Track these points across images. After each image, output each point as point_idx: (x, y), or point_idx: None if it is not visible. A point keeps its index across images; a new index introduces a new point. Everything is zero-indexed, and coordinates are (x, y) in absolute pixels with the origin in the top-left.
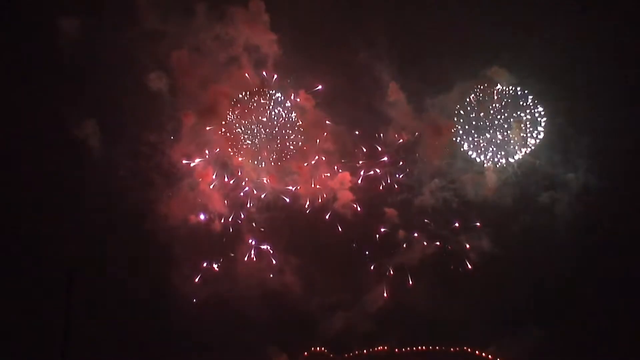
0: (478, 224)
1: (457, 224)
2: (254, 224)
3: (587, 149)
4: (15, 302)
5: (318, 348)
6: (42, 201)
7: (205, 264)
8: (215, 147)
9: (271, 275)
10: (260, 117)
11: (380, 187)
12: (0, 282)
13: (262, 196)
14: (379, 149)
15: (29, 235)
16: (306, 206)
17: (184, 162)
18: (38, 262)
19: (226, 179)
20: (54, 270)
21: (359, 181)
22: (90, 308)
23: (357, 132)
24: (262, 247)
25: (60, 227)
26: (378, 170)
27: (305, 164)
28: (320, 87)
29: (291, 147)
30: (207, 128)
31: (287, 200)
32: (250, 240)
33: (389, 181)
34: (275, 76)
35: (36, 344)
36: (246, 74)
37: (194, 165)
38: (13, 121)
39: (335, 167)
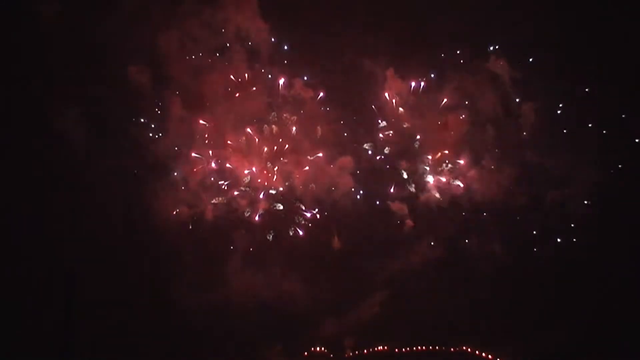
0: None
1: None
2: (248, 221)
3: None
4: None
5: (318, 348)
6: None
7: (200, 264)
8: (205, 140)
9: (269, 274)
10: (253, 109)
11: (383, 180)
12: None
13: (257, 192)
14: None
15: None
16: (303, 198)
17: (172, 156)
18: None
19: (217, 175)
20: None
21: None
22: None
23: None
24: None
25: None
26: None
27: (301, 157)
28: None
29: (286, 139)
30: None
31: (282, 195)
32: (244, 238)
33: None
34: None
35: (36, 345)
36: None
37: (183, 161)
38: None
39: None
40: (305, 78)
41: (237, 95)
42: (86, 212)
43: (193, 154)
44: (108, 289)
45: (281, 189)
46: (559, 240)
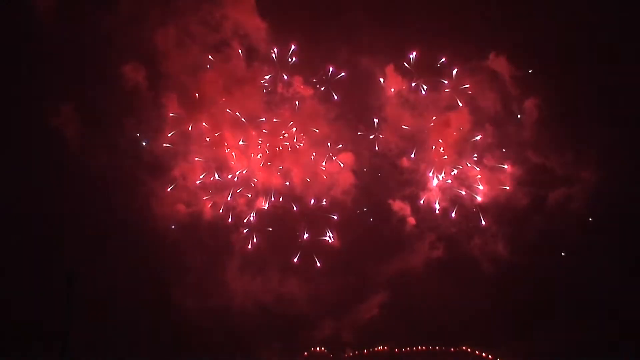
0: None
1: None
2: (245, 220)
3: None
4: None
5: (318, 348)
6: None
7: (200, 264)
8: (202, 138)
9: (269, 275)
10: (250, 106)
11: (385, 178)
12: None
13: (256, 192)
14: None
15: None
16: (302, 197)
17: (168, 155)
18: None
19: (215, 174)
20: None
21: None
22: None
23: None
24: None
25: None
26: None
27: (301, 155)
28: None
29: (285, 137)
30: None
31: (280, 195)
32: (244, 238)
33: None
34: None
35: (36, 344)
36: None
37: (179, 159)
38: None
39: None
40: (305, 76)
41: (236, 93)
42: (86, 212)
43: (191, 153)
44: (108, 289)
45: (287, 183)
46: (559, 240)
